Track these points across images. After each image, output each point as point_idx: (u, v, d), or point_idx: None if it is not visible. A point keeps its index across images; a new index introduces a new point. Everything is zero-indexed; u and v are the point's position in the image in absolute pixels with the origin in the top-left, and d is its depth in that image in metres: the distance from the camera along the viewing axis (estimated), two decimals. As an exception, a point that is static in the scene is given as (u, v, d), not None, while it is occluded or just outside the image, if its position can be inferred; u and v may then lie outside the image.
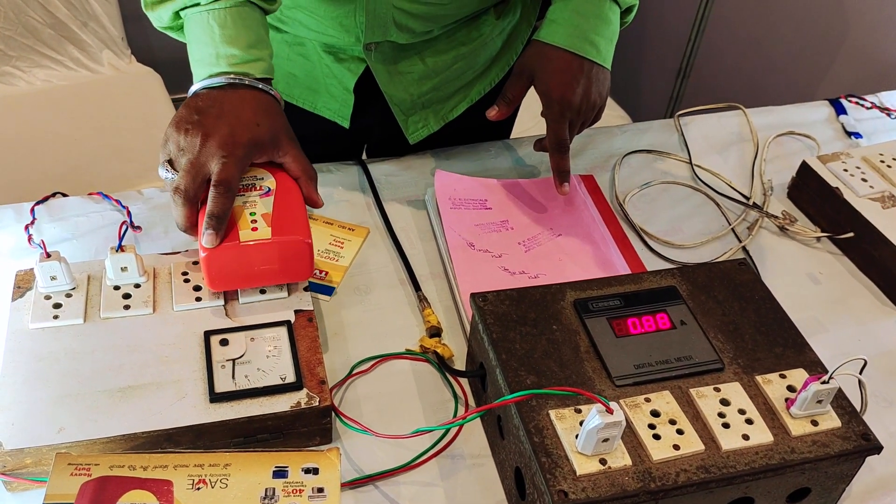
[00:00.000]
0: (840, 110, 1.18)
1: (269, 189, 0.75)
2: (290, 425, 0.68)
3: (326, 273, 0.85)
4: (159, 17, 0.79)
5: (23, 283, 0.75)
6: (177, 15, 0.78)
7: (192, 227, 0.73)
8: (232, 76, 0.73)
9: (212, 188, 0.70)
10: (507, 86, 0.89)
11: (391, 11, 0.87)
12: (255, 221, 0.72)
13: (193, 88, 0.75)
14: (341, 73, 0.96)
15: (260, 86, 0.75)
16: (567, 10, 0.86)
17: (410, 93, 0.98)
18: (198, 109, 0.72)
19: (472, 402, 0.75)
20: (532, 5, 1.02)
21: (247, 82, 0.74)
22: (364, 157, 1.14)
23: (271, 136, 0.74)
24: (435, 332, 0.80)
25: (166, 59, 1.98)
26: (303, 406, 0.67)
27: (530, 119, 2.05)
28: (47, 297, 0.73)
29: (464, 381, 0.76)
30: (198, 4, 0.75)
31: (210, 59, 0.74)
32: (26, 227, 0.86)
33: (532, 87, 0.88)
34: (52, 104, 1.83)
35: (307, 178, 0.77)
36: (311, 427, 0.69)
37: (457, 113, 1.04)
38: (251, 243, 0.71)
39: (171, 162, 0.73)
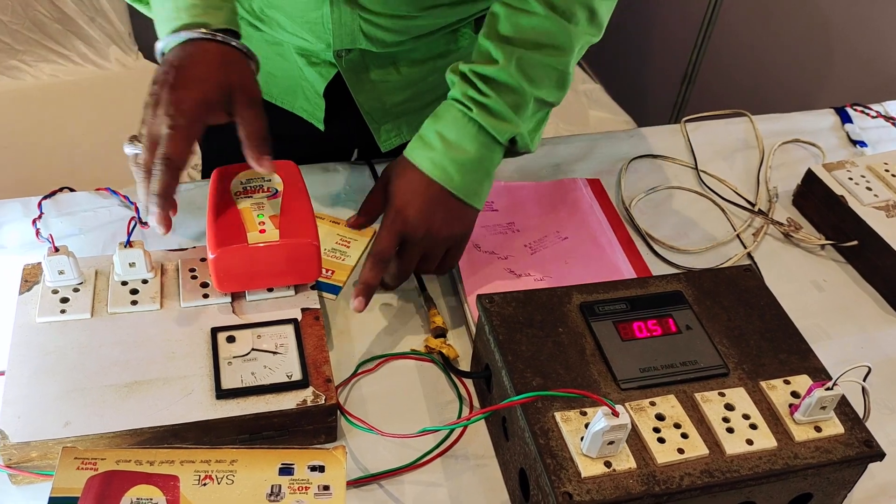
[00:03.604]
0: (845, 119, 1.18)
1: (277, 191, 0.76)
2: (296, 423, 0.68)
3: (332, 272, 0.85)
4: None
5: (30, 277, 0.75)
6: None
7: (147, 209, 0.68)
8: (191, 29, 0.70)
9: (154, 162, 0.66)
10: (367, 196, 0.85)
11: (357, 21, 0.86)
12: (263, 223, 0.73)
13: (157, 53, 0.73)
14: (313, 77, 0.94)
15: (219, 37, 0.70)
16: (432, 129, 0.79)
17: (383, 102, 0.96)
18: (155, 78, 0.69)
19: (476, 403, 0.75)
20: None
21: (200, 36, 0.70)
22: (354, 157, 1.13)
23: (220, 91, 0.69)
24: (440, 332, 0.80)
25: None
26: (309, 404, 0.67)
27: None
28: (55, 292, 0.73)
29: (468, 382, 0.77)
30: None
31: (170, 13, 0.71)
32: (34, 222, 0.86)
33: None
34: (58, 99, 1.84)
35: (256, 136, 0.71)
36: (316, 425, 0.69)
37: None
38: (259, 245, 0.71)
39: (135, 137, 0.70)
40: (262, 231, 0.72)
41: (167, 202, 0.67)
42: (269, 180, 0.77)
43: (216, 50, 0.70)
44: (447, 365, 0.77)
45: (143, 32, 2.00)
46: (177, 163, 0.67)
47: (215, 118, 0.70)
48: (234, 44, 0.71)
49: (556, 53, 0.78)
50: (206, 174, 1.10)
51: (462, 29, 0.94)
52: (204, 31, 0.70)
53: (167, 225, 0.67)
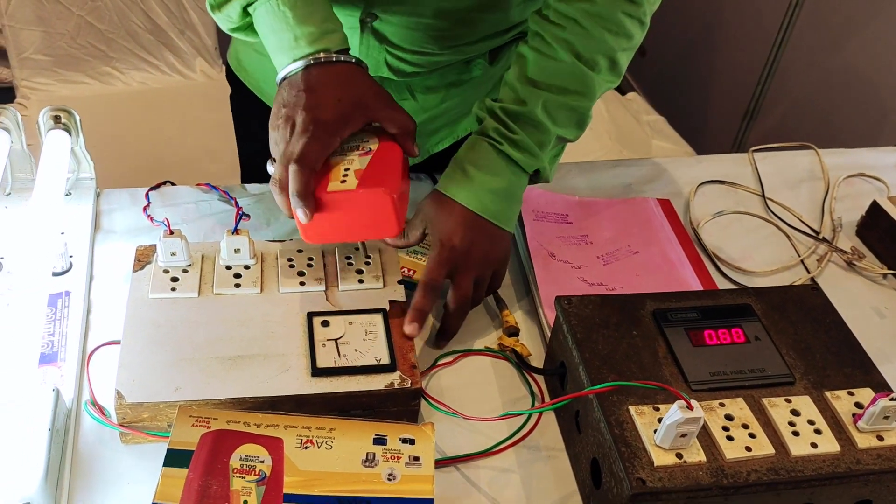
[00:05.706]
0: (910, 156, 1.21)
1: (371, 150, 0.77)
2: (382, 404, 0.73)
3: (414, 272, 0.91)
4: (228, 17, 0.80)
5: (143, 258, 0.82)
6: (244, 12, 0.79)
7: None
8: (310, 57, 0.75)
9: (290, 167, 0.72)
10: (407, 230, 0.85)
11: (383, 54, 0.92)
12: (346, 174, 0.74)
13: (278, 79, 0.77)
14: None
15: (341, 58, 0.76)
16: (465, 163, 0.83)
17: None
18: (283, 103, 0.75)
19: (548, 400, 0.79)
20: None
21: (322, 59, 0.75)
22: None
23: (355, 105, 0.76)
24: (513, 331, 0.84)
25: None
26: (396, 386, 0.72)
27: (600, 148, 2.11)
28: (166, 271, 0.80)
29: (540, 380, 0.81)
30: None
31: (289, 42, 0.76)
32: (144, 209, 0.93)
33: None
34: (145, 105, 1.94)
35: (404, 132, 0.78)
36: (400, 407, 0.74)
37: (441, 147, 1.06)
38: (335, 192, 0.73)
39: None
40: (343, 181, 0.74)
41: (308, 200, 0.72)
42: (367, 141, 0.78)
43: (340, 70, 0.76)
44: (521, 362, 0.81)
45: (227, 46, 2.10)
46: (310, 163, 0.72)
47: (351, 129, 0.76)
48: (353, 61, 0.77)
49: (579, 98, 0.83)
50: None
51: (476, 60, 0.99)
52: (324, 55, 0.75)
53: (312, 214, 0.73)
